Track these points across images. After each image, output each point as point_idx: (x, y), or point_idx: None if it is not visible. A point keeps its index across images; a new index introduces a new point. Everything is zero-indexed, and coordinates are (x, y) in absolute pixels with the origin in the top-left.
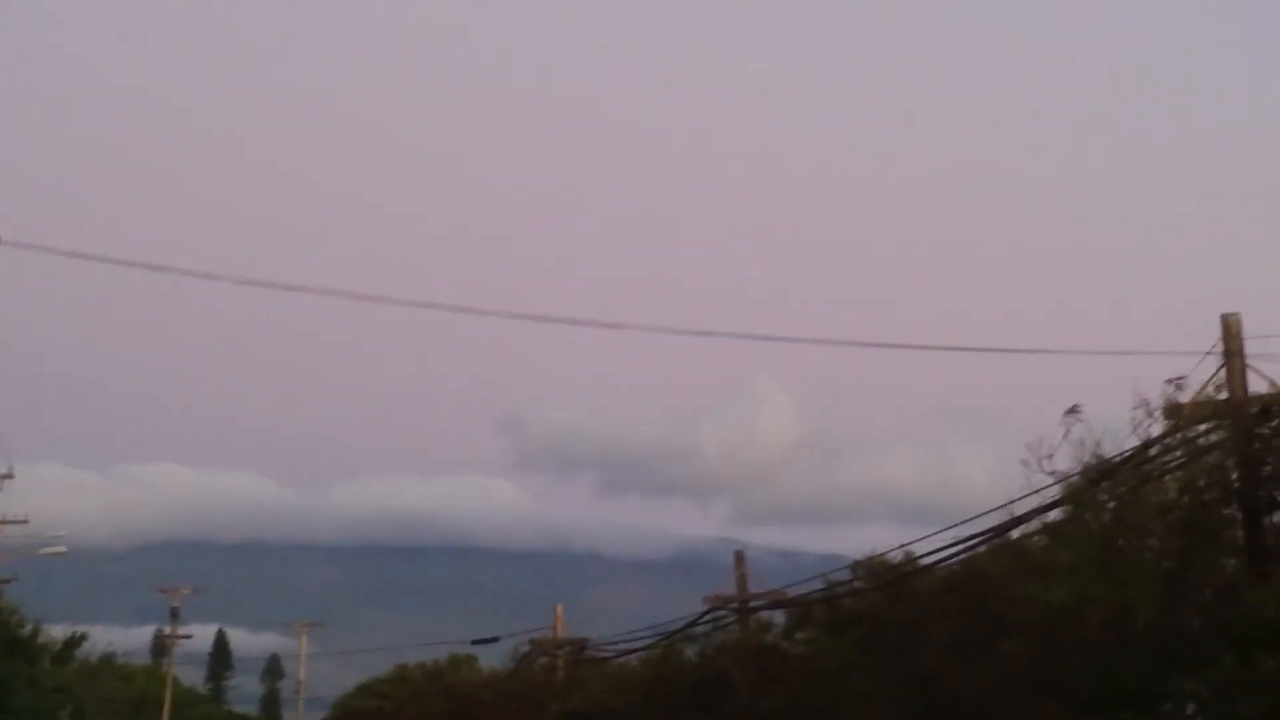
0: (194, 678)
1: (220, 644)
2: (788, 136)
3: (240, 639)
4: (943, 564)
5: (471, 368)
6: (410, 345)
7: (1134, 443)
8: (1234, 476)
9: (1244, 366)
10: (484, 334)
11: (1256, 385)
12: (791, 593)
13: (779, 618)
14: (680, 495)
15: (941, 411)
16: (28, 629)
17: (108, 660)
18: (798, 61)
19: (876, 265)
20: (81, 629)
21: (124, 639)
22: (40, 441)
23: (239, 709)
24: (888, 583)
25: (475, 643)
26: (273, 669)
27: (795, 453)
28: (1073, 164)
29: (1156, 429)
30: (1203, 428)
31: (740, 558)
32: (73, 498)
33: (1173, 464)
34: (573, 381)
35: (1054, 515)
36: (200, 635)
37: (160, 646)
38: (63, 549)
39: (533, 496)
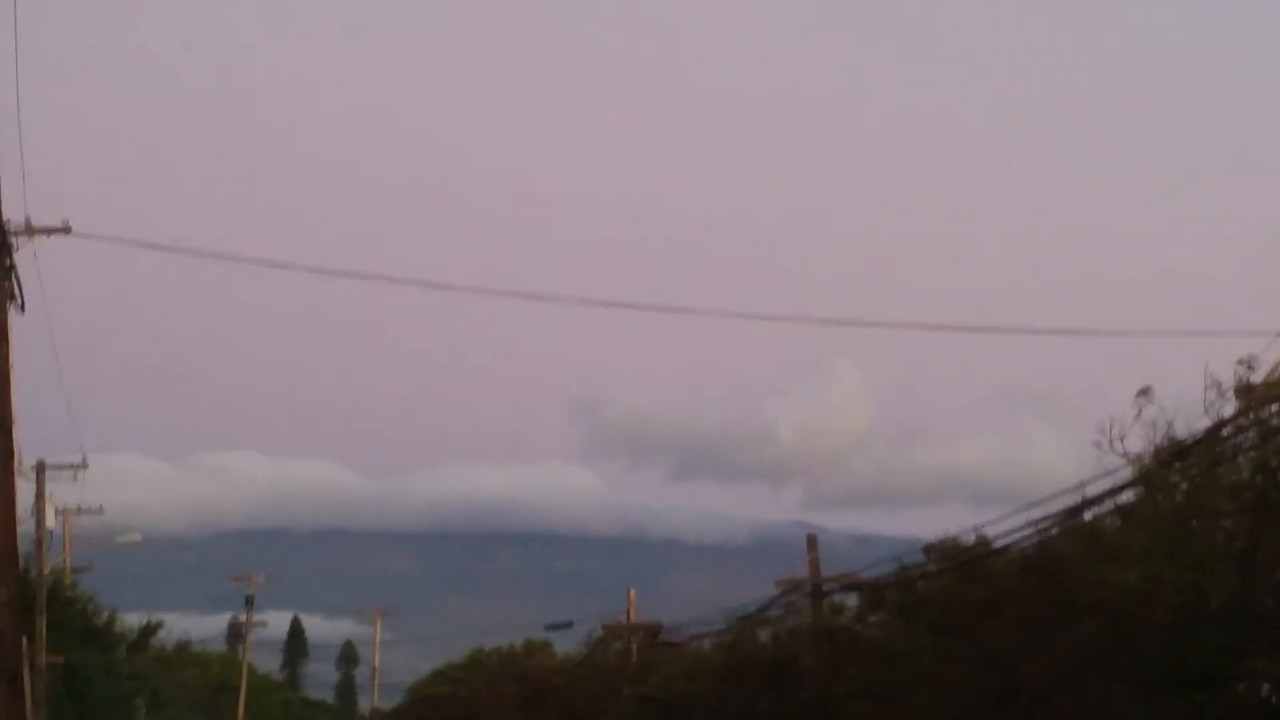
0: (269, 665)
1: (295, 631)
2: (860, 116)
3: (316, 626)
4: (1015, 546)
5: (545, 354)
6: (484, 332)
7: (1206, 424)
8: None
9: None
10: (558, 320)
11: None
12: (864, 576)
13: (852, 601)
14: (754, 480)
15: (1014, 394)
16: (104, 617)
17: (183, 648)
18: (866, 38)
19: (949, 247)
20: (157, 617)
21: (199, 627)
22: (116, 432)
23: (314, 695)
24: (960, 565)
25: (549, 628)
26: (347, 655)
27: (869, 436)
28: (1146, 144)
29: (1229, 410)
30: (1275, 408)
31: (813, 541)
32: (149, 487)
33: (1245, 444)
34: (646, 366)
35: (1126, 497)
36: (275, 623)
37: (235, 634)
38: (138, 538)
39: (607, 482)
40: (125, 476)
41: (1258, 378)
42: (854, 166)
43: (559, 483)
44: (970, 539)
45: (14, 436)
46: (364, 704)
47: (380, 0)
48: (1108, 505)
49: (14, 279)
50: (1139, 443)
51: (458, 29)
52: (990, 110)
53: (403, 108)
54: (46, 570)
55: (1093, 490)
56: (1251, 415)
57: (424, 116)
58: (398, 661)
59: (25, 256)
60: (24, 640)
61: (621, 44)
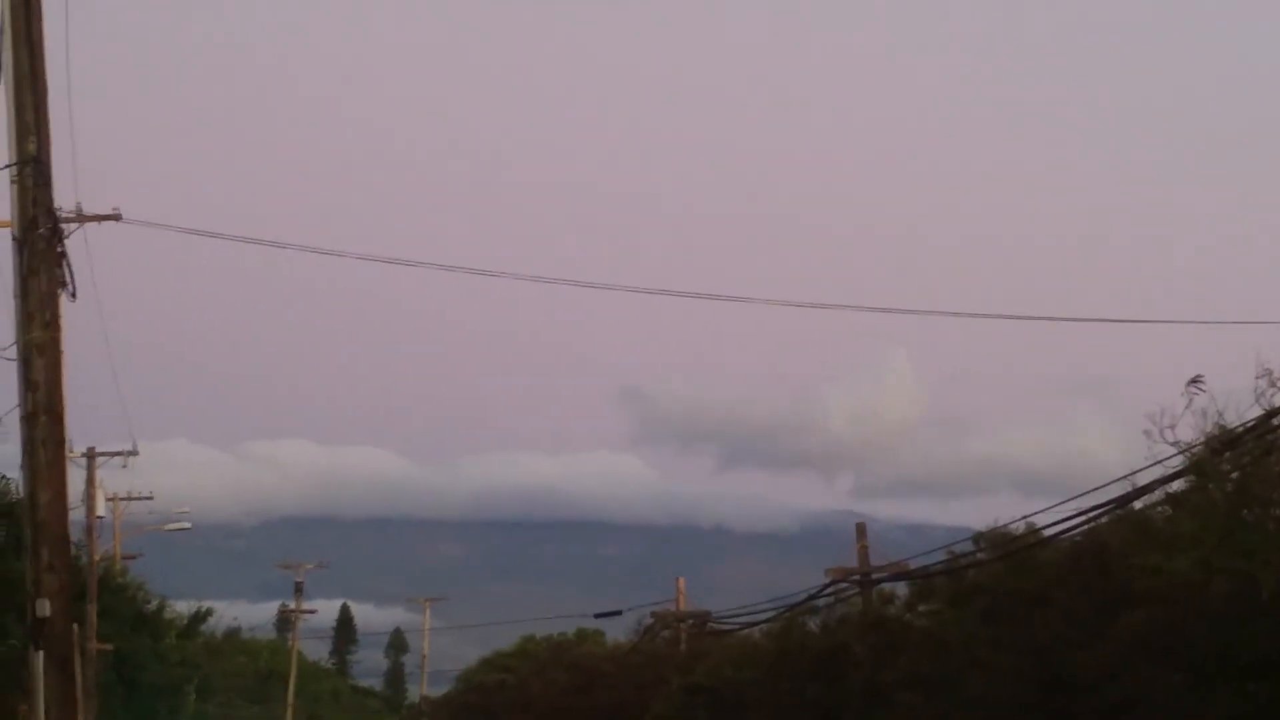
0: (319, 652)
1: (344, 618)
2: (917, 104)
3: (365, 614)
4: (1065, 535)
5: (595, 343)
6: (534, 321)
7: (1257, 412)
8: None
9: None
10: (607, 309)
11: None
12: (914, 565)
13: (901, 590)
14: (804, 468)
15: (1065, 383)
16: (154, 605)
17: (233, 635)
18: (923, 21)
19: (999, 237)
20: (206, 604)
21: (249, 614)
22: (168, 419)
23: (363, 683)
24: (1009, 554)
25: (598, 616)
26: (396, 643)
27: (919, 425)
28: (1194, 131)
29: (1279, 398)
30: None
31: (862, 530)
32: (200, 474)
33: None
34: (695, 354)
35: (1177, 486)
36: (325, 610)
37: (284, 621)
38: (188, 525)
39: (656, 470)
40: (176, 464)
41: None
42: (908, 154)
43: (608, 471)
44: (1020, 528)
45: (65, 424)
46: (413, 691)
47: None
48: (1158, 494)
49: (65, 266)
50: (1189, 431)
51: (505, 10)
52: (1046, 98)
53: (450, 93)
54: (97, 557)
55: (1143, 479)
56: None
57: (474, 102)
58: (446, 649)
59: (76, 243)
60: (74, 627)
61: (662, 29)
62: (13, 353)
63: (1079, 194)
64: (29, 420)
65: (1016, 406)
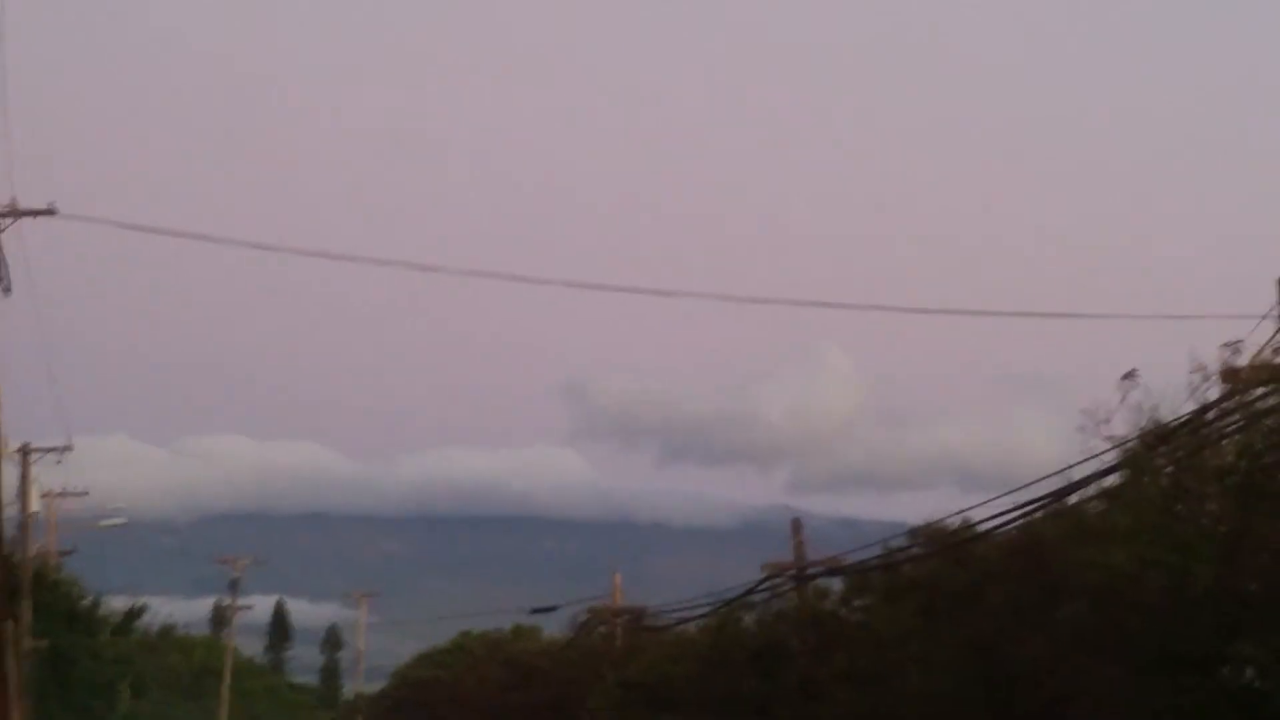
0: (253, 648)
1: (279, 614)
2: (848, 100)
3: (301, 610)
4: (1001, 530)
5: (533, 337)
6: (471, 315)
7: (1191, 407)
8: None
9: None
10: (545, 303)
11: None
12: (849, 560)
13: (837, 585)
14: (742, 463)
15: (1002, 377)
16: (88, 601)
17: (167, 632)
18: (856, 21)
19: (936, 230)
20: (141, 601)
21: (184, 611)
22: (102, 415)
23: (298, 679)
24: (946, 549)
25: (534, 611)
26: (332, 639)
27: (857, 420)
28: (1130, 126)
29: (1214, 393)
30: (1260, 391)
31: (797, 525)
32: (135, 470)
33: (1230, 428)
34: (633, 349)
35: (1112, 480)
36: (261, 606)
37: (219, 618)
38: (122, 520)
39: (595, 465)
40: (111, 459)
41: (1242, 361)
42: (842, 150)
43: (546, 466)
44: (956, 523)
45: None
46: (348, 688)
47: None
48: (1093, 489)
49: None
50: (1124, 426)
51: (436, 11)
52: (975, 98)
53: (389, 87)
54: (31, 554)
55: (1078, 474)
56: (1236, 399)
57: (409, 97)
58: (382, 645)
59: (11, 238)
60: (9, 624)
61: (607, 29)
62: None
63: (1016, 189)
64: None
65: (954, 401)
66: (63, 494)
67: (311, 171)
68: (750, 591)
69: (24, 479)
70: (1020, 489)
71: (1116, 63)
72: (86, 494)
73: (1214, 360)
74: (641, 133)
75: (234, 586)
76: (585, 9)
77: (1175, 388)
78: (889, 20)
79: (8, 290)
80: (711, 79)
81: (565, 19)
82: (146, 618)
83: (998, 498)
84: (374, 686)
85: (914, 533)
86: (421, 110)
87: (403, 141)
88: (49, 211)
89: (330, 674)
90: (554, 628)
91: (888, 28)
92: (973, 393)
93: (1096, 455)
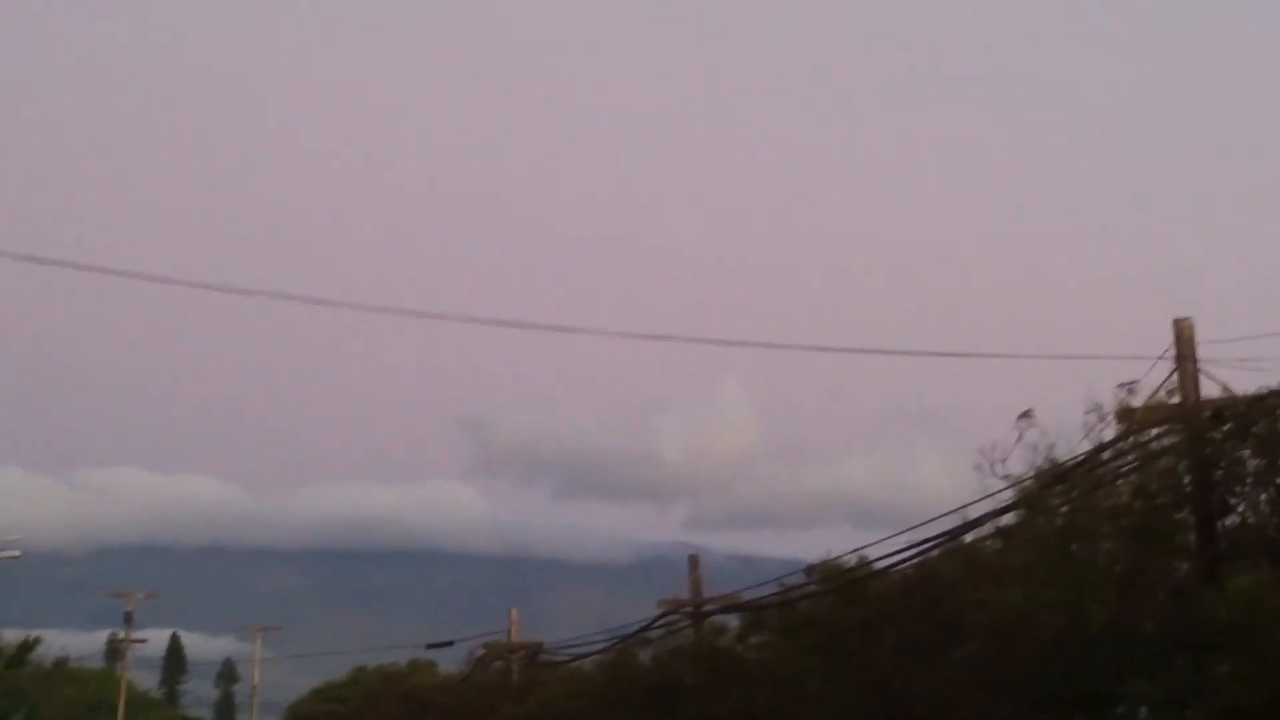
0: (148, 682)
1: (174, 648)
2: (749, 133)
3: (197, 643)
4: (897, 568)
5: (431, 373)
6: (369, 350)
7: (1087, 447)
8: (1186, 481)
9: (1196, 371)
10: (443, 339)
11: (1208, 390)
12: (745, 597)
13: (734, 622)
14: (639, 499)
15: (898, 415)
16: None
17: (61, 664)
18: (771, 48)
19: (834, 269)
20: (36, 633)
21: (79, 643)
22: None
23: (193, 713)
24: (842, 586)
25: (430, 646)
26: (227, 673)
27: (754, 456)
28: (1030, 166)
29: (1109, 433)
30: (1155, 432)
31: (694, 562)
32: (30, 502)
33: (1125, 468)
34: (532, 384)
35: (1007, 519)
36: (156, 640)
37: (114, 651)
38: (17, 553)
39: (492, 501)
40: (6, 491)
41: (1138, 401)
42: (742, 186)
43: (444, 501)
44: (852, 560)
45: None
46: None
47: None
48: (989, 527)
49: None
50: (1020, 465)
51: (298, 48)
52: (875, 130)
53: (293, 118)
54: None
55: (974, 512)
56: (1132, 439)
57: (313, 127)
58: (278, 679)
59: None
60: None
61: (520, 63)
62: None
63: (914, 226)
64: None
65: (852, 438)
66: None
67: (212, 203)
68: (646, 628)
69: None
70: (916, 527)
71: (1026, 105)
72: None
73: (1109, 400)
74: (542, 166)
75: (128, 620)
76: (507, 38)
77: (1071, 427)
78: (804, 52)
79: None
80: (612, 116)
81: (477, 44)
82: (41, 650)
83: (894, 535)
84: None
85: (810, 570)
86: (320, 141)
87: (302, 172)
88: None
89: (225, 708)
90: (451, 663)
91: (801, 60)
92: (870, 430)
93: (993, 494)
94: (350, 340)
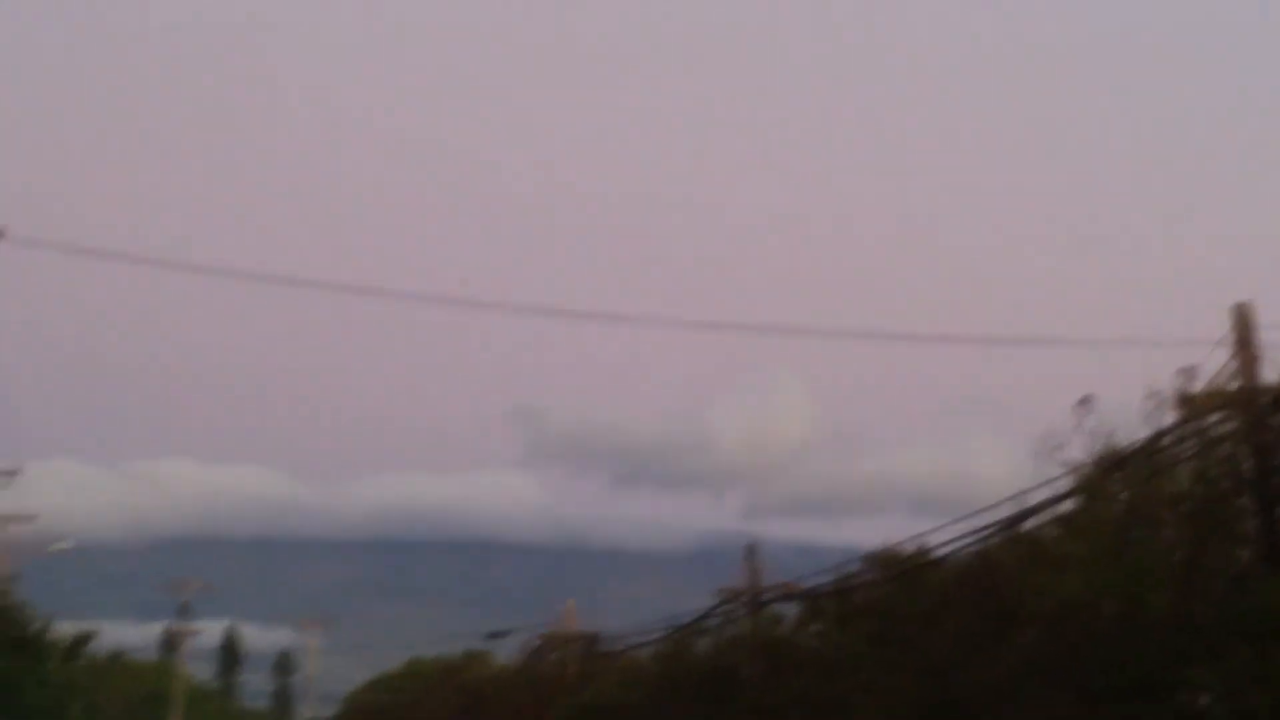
0: (205, 674)
1: (230, 640)
2: (802, 123)
3: (252, 635)
4: (955, 555)
5: (485, 363)
6: (423, 340)
7: (1146, 433)
8: (1246, 466)
9: (1255, 356)
10: (499, 328)
11: (1268, 375)
12: (802, 585)
13: (791, 611)
14: (696, 488)
15: (957, 402)
16: (36, 626)
17: (117, 657)
18: (815, 43)
19: (892, 257)
20: (90, 626)
21: (131, 636)
22: (52, 439)
23: (250, 705)
24: (899, 575)
25: (488, 637)
26: (283, 664)
27: (812, 445)
28: (1084, 153)
29: (1169, 419)
30: (1215, 418)
31: (752, 550)
32: (84, 495)
33: (1185, 454)
34: (587, 374)
35: (1066, 506)
36: (211, 631)
37: (169, 643)
38: (69, 545)
39: (548, 491)
40: (60, 484)
41: (1197, 387)
42: (797, 175)
43: (499, 491)
44: (909, 548)
45: None
46: (300, 713)
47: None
48: (1048, 515)
49: None
50: (1079, 452)
51: (355, 25)
52: (936, 119)
53: (342, 111)
54: None
55: (1033, 499)
56: (1191, 425)
57: (362, 121)
58: (334, 670)
59: None
60: None
61: (556, 51)
62: None
63: (974, 214)
64: None
65: (909, 426)
66: (10, 518)
67: (264, 193)
68: (704, 617)
69: None
70: (974, 514)
71: (1097, 84)
72: (35, 518)
73: (1169, 386)
74: (597, 159)
75: (184, 611)
76: (538, 32)
77: (1130, 413)
78: (844, 42)
79: None
80: (665, 105)
81: (504, 41)
82: (96, 643)
83: (952, 523)
84: (326, 712)
85: (868, 558)
86: (372, 133)
87: (354, 163)
88: None
89: (282, 699)
90: (507, 654)
91: (842, 49)
92: (927, 418)
93: (1051, 481)
94: (404, 330)
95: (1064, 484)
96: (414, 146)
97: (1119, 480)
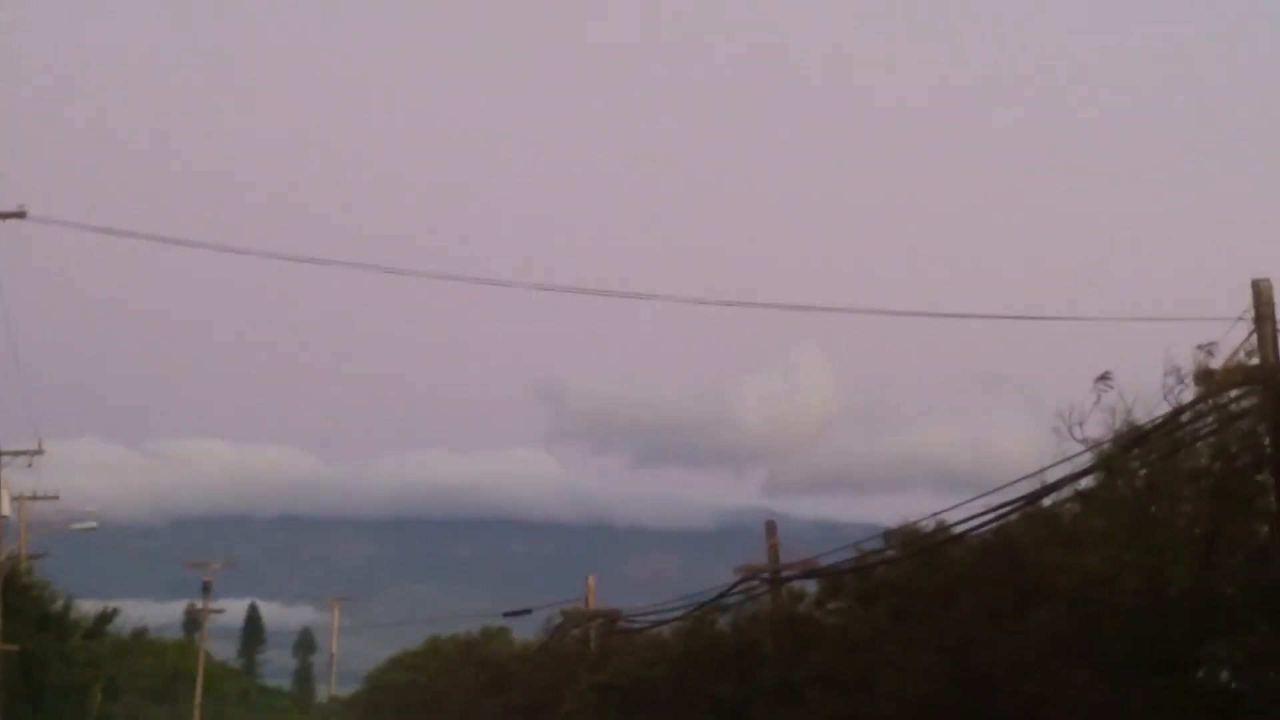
0: (227, 652)
1: (252, 618)
2: (822, 102)
3: (274, 613)
4: (975, 532)
5: (508, 340)
6: (446, 317)
7: (1166, 409)
8: (1266, 442)
9: (1275, 332)
10: (520, 305)
11: None
12: (823, 562)
13: (812, 587)
14: (718, 465)
15: (977, 379)
16: (59, 604)
17: (140, 635)
18: (834, 27)
19: (912, 232)
20: (113, 604)
21: (157, 614)
22: (76, 418)
23: (272, 682)
24: (920, 551)
25: (507, 615)
26: (305, 642)
27: (834, 421)
28: (1101, 128)
29: (1188, 395)
30: (1234, 394)
31: (772, 528)
32: (107, 473)
33: (1205, 430)
34: (609, 352)
35: (1086, 482)
36: (233, 610)
37: (192, 621)
38: (94, 524)
39: (570, 468)
40: (83, 462)
41: (1217, 363)
42: (817, 151)
43: (521, 469)
44: (930, 525)
45: None
46: (322, 691)
47: None
48: (1068, 491)
49: None
50: (1099, 428)
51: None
52: (956, 98)
53: (358, 89)
54: (2, 557)
55: (1053, 476)
56: (1211, 401)
57: (379, 98)
58: (356, 648)
59: None
60: None
61: (585, 31)
62: None
63: (993, 190)
64: None
65: (931, 403)
66: (34, 497)
67: (282, 173)
68: (725, 594)
69: None
70: (995, 491)
71: (1105, 66)
72: (57, 497)
73: (1188, 362)
74: (617, 135)
75: (206, 590)
76: (565, 6)
77: (1150, 390)
78: (863, 27)
79: None
80: (685, 80)
81: (533, 22)
82: (119, 621)
83: (972, 500)
84: (347, 690)
85: (888, 535)
86: (391, 112)
87: (375, 143)
88: (19, 214)
89: (304, 677)
90: (528, 631)
91: (862, 34)
92: (949, 394)
93: (1071, 457)
94: (428, 309)
95: (1084, 460)
96: (439, 124)
97: (1139, 456)
